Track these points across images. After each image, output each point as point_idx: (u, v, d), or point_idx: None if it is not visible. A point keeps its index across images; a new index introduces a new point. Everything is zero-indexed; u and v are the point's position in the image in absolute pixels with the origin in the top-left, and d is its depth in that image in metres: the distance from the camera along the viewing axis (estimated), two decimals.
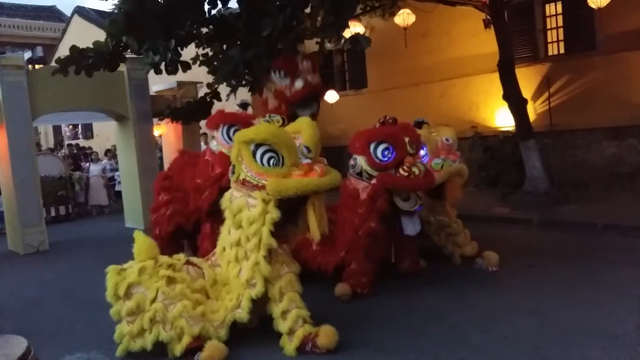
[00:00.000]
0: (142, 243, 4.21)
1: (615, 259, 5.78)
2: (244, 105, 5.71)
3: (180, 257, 4.33)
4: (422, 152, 5.51)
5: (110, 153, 13.72)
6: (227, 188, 4.50)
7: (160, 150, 12.18)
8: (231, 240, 4.12)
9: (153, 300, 3.94)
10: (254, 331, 4.25)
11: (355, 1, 7.28)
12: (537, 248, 6.63)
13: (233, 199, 4.12)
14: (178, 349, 3.87)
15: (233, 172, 4.13)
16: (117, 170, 12.78)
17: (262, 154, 3.88)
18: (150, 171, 10.29)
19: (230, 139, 5.05)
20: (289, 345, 3.94)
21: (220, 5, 7.22)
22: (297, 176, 3.83)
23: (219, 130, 5.22)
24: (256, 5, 6.60)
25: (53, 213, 11.93)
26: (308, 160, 3.88)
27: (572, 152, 10.02)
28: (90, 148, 16.51)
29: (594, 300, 4.61)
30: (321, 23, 7.79)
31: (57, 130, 21.58)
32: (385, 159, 5.04)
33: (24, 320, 5.26)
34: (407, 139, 5.08)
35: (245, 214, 3.97)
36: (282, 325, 3.98)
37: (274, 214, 3.86)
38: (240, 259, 4.03)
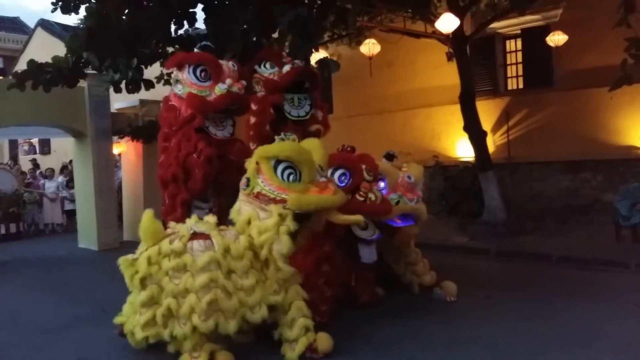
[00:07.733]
0: (147, 227, 4.08)
1: (570, 292, 5.87)
2: None
3: (184, 229, 4.09)
4: (381, 185, 5.49)
5: (67, 170, 13.24)
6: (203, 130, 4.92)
7: (120, 169, 11.88)
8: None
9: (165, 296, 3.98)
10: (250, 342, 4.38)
11: (321, 29, 7.34)
12: (495, 279, 6.69)
13: (242, 211, 4.18)
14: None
15: (248, 185, 4.17)
16: (69, 187, 12.35)
17: (283, 170, 4.02)
18: (107, 190, 10.03)
19: (198, 78, 5.02)
20: (291, 352, 4.11)
21: (187, 26, 7.18)
22: (314, 192, 4.02)
23: (185, 71, 5.09)
24: (223, 27, 6.58)
25: (3, 230, 11.44)
26: (324, 179, 4.16)
27: (529, 184, 10.26)
28: (34, 162, 15.92)
29: (549, 333, 4.65)
30: (289, 48, 7.84)
31: (13, 144, 20.86)
32: (342, 184, 5.04)
33: None
34: (364, 166, 5.15)
35: (256, 224, 4.01)
36: (289, 333, 4.13)
37: (291, 225, 3.95)
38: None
